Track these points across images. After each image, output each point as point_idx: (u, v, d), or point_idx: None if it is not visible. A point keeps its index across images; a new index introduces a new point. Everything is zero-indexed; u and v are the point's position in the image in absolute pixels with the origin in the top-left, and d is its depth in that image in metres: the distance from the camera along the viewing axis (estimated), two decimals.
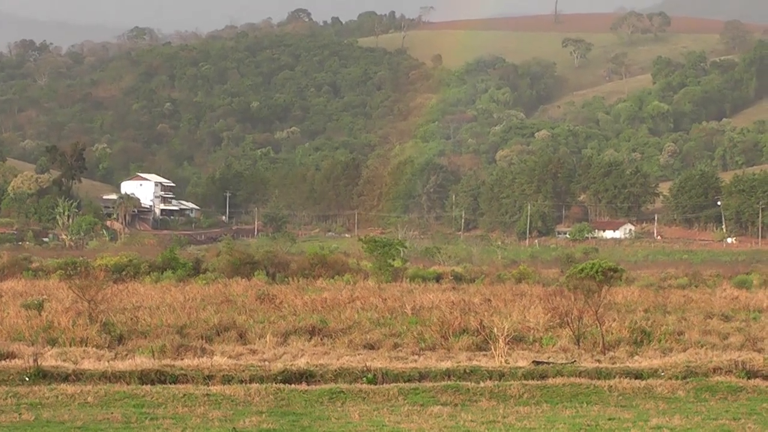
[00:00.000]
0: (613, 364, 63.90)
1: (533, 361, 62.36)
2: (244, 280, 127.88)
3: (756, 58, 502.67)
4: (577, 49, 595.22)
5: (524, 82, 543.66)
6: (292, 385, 53.83)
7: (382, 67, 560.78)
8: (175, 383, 54.97)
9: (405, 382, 55.75)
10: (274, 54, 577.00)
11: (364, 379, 55.85)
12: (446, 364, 61.09)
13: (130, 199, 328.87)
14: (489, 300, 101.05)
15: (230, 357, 64.40)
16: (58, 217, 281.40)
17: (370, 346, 72.12)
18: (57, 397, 49.90)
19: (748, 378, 58.41)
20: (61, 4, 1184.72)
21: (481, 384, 54.19)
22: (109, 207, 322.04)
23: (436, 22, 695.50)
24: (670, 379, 57.57)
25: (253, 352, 68.71)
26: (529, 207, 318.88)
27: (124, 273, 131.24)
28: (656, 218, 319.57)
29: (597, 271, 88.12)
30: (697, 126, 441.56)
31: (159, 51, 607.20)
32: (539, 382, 55.82)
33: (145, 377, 56.06)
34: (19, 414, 45.60)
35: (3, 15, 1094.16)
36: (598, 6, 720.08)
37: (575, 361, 64.15)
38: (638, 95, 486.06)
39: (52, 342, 69.27)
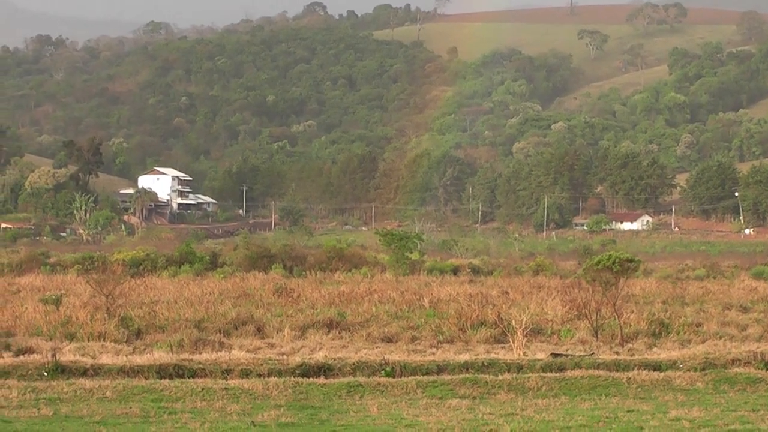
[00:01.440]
0: (631, 356, 63.78)
1: (551, 354, 62.26)
2: (261, 273, 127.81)
3: None
4: (593, 41, 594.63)
5: (540, 74, 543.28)
6: (310, 379, 53.81)
7: (397, 60, 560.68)
8: (193, 377, 54.96)
9: (423, 375, 55.68)
10: (290, 48, 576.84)
11: (383, 372, 55.82)
12: (464, 357, 60.99)
13: (147, 194, 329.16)
14: (506, 292, 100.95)
15: (248, 351, 64.34)
16: (75, 211, 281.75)
17: (388, 339, 72.04)
18: (75, 392, 49.87)
19: (767, 369, 58.34)
20: None
21: (500, 377, 54.16)
22: (126, 201, 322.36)
23: (451, 14, 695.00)
24: (689, 370, 57.48)
25: (271, 345, 68.67)
26: (546, 199, 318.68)
27: (141, 267, 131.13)
28: (673, 210, 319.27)
29: (614, 263, 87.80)
30: (714, 117, 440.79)
31: (175, 45, 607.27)
32: (557, 374, 55.76)
33: (163, 371, 56.03)
34: (38, 409, 45.63)
35: (19, 10, 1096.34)
36: None
37: (593, 353, 64.05)
38: (654, 86, 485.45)
39: (71, 337, 69.27)
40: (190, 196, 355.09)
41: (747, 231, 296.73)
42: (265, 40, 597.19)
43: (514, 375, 55.23)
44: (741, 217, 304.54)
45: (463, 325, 75.21)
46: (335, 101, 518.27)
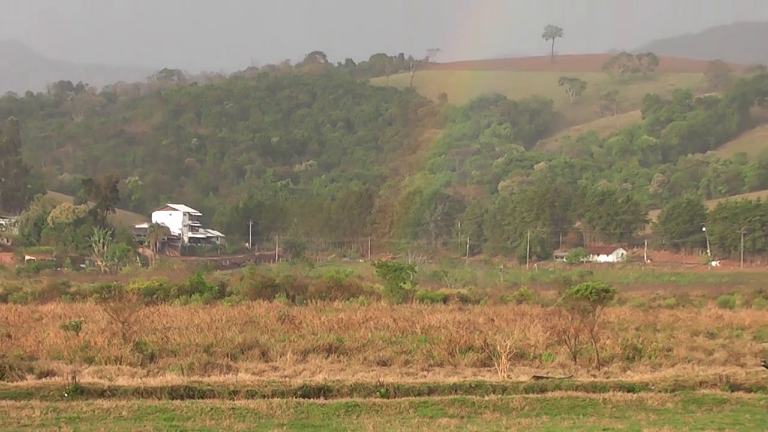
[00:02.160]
0: (607, 378, 63.90)
1: (533, 376, 62.40)
2: (266, 302, 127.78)
3: (737, 95, 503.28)
4: (572, 87, 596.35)
5: (524, 117, 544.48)
6: (311, 399, 53.94)
7: (392, 105, 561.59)
8: (202, 398, 55.06)
9: (415, 396, 55.82)
10: (293, 93, 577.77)
11: (378, 393, 55.95)
12: (453, 379, 61.10)
13: (160, 228, 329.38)
14: (492, 320, 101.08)
15: (253, 373, 64.43)
16: (93, 244, 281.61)
17: (383, 363, 72.17)
18: (94, 411, 49.99)
19: (732, 391, 58.52)
20: (96, 47, 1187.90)
21: (486, 397, 54.30)
22: (141, 235, 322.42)
23: (441, 63, 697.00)
24: (660, 392, 57.67)
25: (275, 368, 68.71)
26: (528, 233, 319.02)
27: (154, 296, 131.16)
28: (646, 243, 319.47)
29: (591, 293, 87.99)
30: (684, 158, 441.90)
31: (186, 90, 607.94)
32: (539, 395, 55.93)
33: (175, 393, 56.13)
34: (59, 428, 45.72)
35: (42, 58, 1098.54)
36: (591, 47, 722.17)
37: (572, 375, 64.19)
38: (629, 129, 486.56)
39: (89, 360, 69.27)
40: (200, 230, 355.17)
41: (714, 263, 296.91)
42: (269, 85, 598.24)
43: (499, 396, 55.38)
44: (708, 251, 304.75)
45: (452, 349, 75.40)
46: (334, 142, 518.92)
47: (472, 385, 59.53)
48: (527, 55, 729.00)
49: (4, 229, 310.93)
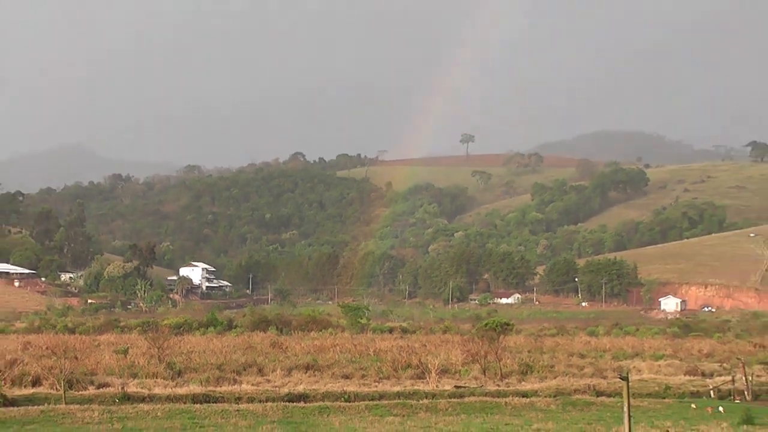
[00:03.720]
0: (507, 387, 63.92)
1: (455, 386, 62.31)
2: (261, 332, 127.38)
3: (599, 183, 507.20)
4: (481, 178, 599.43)
5: (447, 199, 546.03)
6: (294, 403, 53.78)
7: (352, 191, 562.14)
8: (216, 402, 54.85)
9: (369, 400, 55.69)
10: (281, 182, 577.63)
11: (342, 398, 55.77)
12: (396, 388, 61.02)
13: (185, 280, 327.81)
14: (425, 345, 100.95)
15: (253, 384, 64.21)
16: (137, 291, 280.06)
17: (346, 377, 72.03)
18: (137, 412, 49.89)
19: (597, 396, 58.70)
20: (140, 149, 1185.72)
21: (420, 401, 54.22)
22: (171, 285, 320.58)
23: (388, 160, 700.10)
24: (546, 397, 57.72)
25: (268, 381, 68.52)
26: (450, 282, 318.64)
27: (181, 329, 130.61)
28: (535, 289, 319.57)
29: (496, 325, 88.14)
30: (562, 228, 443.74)
31: (204, 180, 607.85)
32: (459, 399, 55.89)
33: (196, 398, 55.96)
34: (112, 424, 45.63)
35: (100, 158, 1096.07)
36: (494, 149, 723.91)
37: (483, 385, 64.11)
38: (522, 208, 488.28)
39: (134, 375, 68.96)
40: (215, 281, 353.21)
41: (583, 304, 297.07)
42: (264, 177, 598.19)
43: (430, 400, 55.30)
44: (579, 295, 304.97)
45: (396, 366, 75.32)
46: (311, 218, 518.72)
47: (411, 393, 59.47)
48: (449, 155, 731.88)
49: (72, 280, 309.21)
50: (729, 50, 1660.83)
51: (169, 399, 56.18)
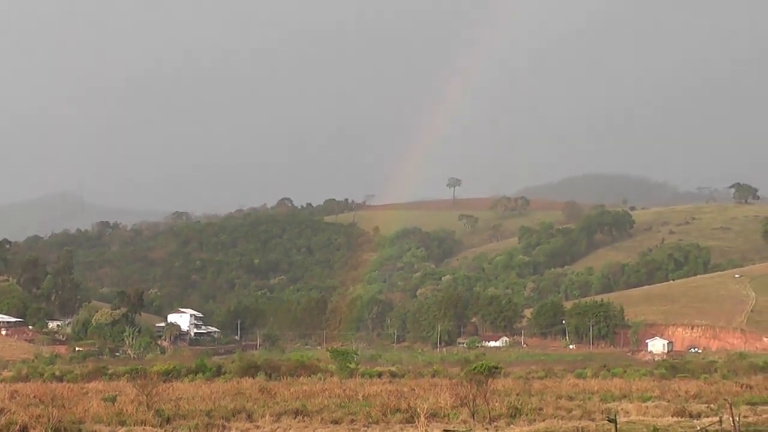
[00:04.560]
0: (496, 430, 63.81)
1: (444, 430, 62.17)
2: (250, 378, 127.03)
3: (585, 226, 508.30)
4: (468, 222, 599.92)
5: (434, 243, 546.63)
6: None
7: (340, 236, 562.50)
8: None
9: None
10: (269, 228, 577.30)
11: None
12: None
13: (174, 326, 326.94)
14: (413, 389, 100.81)
15: (242, 431, 63.97)
16: (125, 338, 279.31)
17: (335, 422, 71.92)
18: None
19: None
20: (127, 196, 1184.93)
21: None
22: (159, 331, 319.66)
23: (375, 205, 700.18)
24: None
25: (258, 427, 68.36)
26: (438, 326, 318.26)
27: (170, 375, 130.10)
28: (523, 332, 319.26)
29: (485, 369, 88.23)
30: (549, 271, 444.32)
31: (192, 227, 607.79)
32: None
33: None
34: None
35: (88, 204, 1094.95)
36: (481, 193, 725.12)
37: (471, 429, 63.97)
38: (509, 251, 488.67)
39: (122, 423, 68.74)
40: (203, 327, 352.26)
41: (571, 346, 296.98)
42: (252, 222, 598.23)
43: None
44: (567, 337, 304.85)
45: (385, 411, 75.17)
46: (299, 263, 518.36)
47: None
48: (436, 199, 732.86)
49: (60, 328, 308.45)
50: (710, 96, 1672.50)
51: None
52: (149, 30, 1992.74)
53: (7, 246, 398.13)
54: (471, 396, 75.75)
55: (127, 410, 75.34)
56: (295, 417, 74.69)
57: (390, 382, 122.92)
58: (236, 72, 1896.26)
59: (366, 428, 66.78)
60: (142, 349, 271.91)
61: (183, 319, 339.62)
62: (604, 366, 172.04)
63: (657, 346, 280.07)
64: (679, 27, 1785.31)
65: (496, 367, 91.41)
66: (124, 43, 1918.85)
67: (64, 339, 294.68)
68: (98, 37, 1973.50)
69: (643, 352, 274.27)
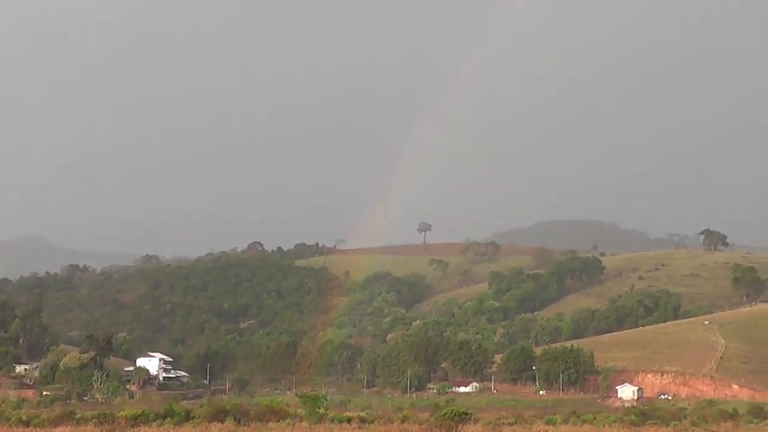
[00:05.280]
0: None
1: None
2: (219, 424, 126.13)
3: (555, 271, 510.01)
4: (439, 266, 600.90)
5: (405, 288, 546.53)
6: None
7: (311, 280, 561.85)
8: None
9: None
10: (239, 271, 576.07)
11: None
12: None
13: (143, 370, 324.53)
14: None
15: None
16: (94, 383, 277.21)
17: None
18: None
19: None
20: (98, 239, 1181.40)
21: None
22: (128, 375, 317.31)
23: (346, 249, 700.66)
24: None
25: None
26: (409, 371, 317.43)
27: (138, 420, 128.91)
28: (493, 378, 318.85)
29: (455, 414, 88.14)
30: (519, 316, 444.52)
31: (162, 270, 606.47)
32: None
33: None
34: None
35: (57, 248, 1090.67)
36: (451, 238, 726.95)
37: None
38: (479, 297, 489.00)
39: None
40: (172, 371, 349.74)
41: (541, 392, 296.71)
42: (222, 266, 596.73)
43: None
44: (537, 383, 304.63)
45: None
46: (269, 307, 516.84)
47: None
48: (407, 244, 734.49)
49: (28, 372, 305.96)
50: (680, 146, 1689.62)
51: None
52: (116, 87, 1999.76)
53: None
54: None
55: None
56: None
57: (360, 427, 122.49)
58: (206, 122, 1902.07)
59: None
60: (110, 394, 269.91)
61: (152, 363, 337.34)
62: (574, 412, 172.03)
63: (627, 392, 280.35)
64: (648, 86, 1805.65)
65: (466, 413, 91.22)
66: (93, 99, 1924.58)
67: (31, 383, 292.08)
68: (56, 88, 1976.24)
69: (613, 398, 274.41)
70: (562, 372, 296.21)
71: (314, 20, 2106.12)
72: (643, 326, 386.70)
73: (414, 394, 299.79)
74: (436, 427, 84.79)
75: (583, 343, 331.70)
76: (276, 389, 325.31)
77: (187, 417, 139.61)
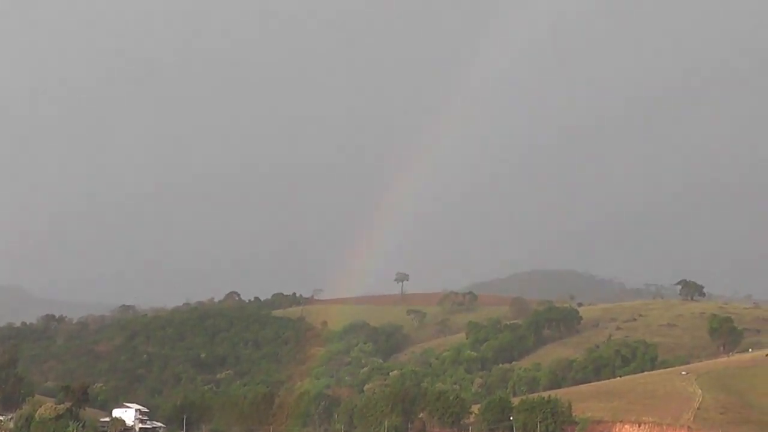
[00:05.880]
0: None
1: None
2: None
3: (533, 322, 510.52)
4: (416, 317, 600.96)
5: (382, 338, 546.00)
6: None
7: (288, 330, 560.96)
8: None
9: None
10: (216, 321, 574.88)
11: None
12: None
13: (119, 421, 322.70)
14: None
15: None
16: None
17: None
18: None
19: None
20: (74, 289, 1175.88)
21: None
22: (104, 426, 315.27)
23: (323, 299, 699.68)
24: None
25: None
26: (386, 422, 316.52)
27: None
28: (471, 428, 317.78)
29: None
30: (496, 367, 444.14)
31: (139, 320, 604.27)
32: None
33: None
34: None
35: (33, 298, 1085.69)
36: (429, 288, 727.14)
37: None
38: (457, 347, 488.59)
39: None
40: (148, 422, 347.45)
41: None
42: (199, 316, 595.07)
43: None
44: None
45: None
46: (246, 357, 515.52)
47: None
48: (384, 294, 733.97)
49: (2, 423, 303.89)
50: (656, 197, 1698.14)
51: None
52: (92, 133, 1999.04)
53: None
54: None
55: None
56: None
57: None
58: (187, 180, 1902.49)
59: None
60: None
61: (128, 414, 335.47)
62: None
63: None
64: (625, 138, 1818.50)
65: None
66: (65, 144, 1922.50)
67: None
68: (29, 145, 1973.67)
69: None
70: (540, 422, 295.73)
71: (292, 77, 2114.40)
72: (620, 376, 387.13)
73: None
74: None
75: (561, 394, 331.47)
76: None
77: None
